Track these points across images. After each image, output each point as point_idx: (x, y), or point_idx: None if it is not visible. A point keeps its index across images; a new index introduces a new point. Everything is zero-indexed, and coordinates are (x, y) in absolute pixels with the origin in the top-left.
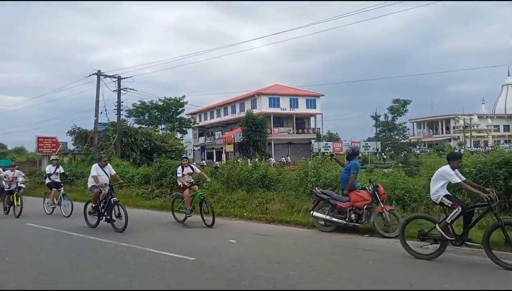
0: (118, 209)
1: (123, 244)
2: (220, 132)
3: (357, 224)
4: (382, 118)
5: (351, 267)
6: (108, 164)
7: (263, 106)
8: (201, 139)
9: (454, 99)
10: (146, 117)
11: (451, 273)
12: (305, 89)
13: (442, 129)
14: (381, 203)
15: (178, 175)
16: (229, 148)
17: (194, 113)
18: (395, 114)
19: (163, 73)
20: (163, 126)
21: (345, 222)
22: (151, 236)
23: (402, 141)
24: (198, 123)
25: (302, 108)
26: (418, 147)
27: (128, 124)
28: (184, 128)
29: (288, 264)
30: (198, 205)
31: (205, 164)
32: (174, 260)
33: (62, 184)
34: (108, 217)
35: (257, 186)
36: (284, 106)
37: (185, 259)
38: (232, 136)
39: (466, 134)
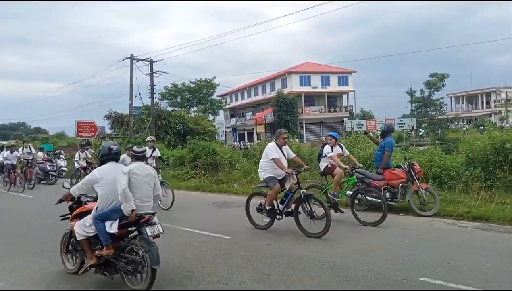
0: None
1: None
2: (251, 113)
3: (392, 203)
4: (418, 94)
5: (387, 246)
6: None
7: (293, 85)
8: (233, 121)
9: (495, 72)
10: (179, 100)
11: (491, 251)
12: (336, 66)
13: (482, 104)
14: (417, 181)
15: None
16: (260, 129)
17: (225, 94)
18: (432, 89)
19: (193, 55)
20: (195, 108)
21: (379, 200)
22: (187, 216)
23: (439, 117)
24: (229, 105)
25: (333, 86)
26: (456, 122)
27: (162, 107)
28: (216, 110)
29: (321, 242)
30: None
31: (241, 146)
32: (211, 238)
33: (159, 170)
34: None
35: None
36: (315, 84)
37: (221, 238)
38: (263, 117)
39: (509, 108)
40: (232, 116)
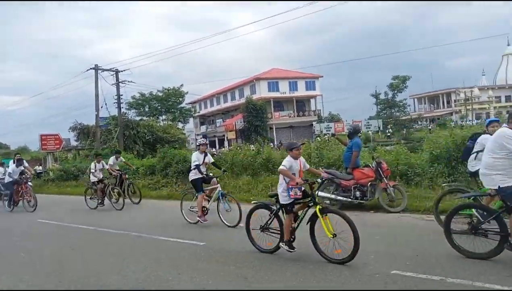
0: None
1: (134, 234)
2: (221, 120)
3: (362, 201)
4: (382, 96)
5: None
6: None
7: (262, 91)
8: (203, 128)
9: (454, 74)
10: (147, 109)
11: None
12: (303, 71)
13: (443, 103)
14: (384, 179)
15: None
16: (231, 135)
17: (194, 102)
18: (395, 91)
19: (159, 64)
20: (164, 117)
21: (350, 199)
22: (160, 225)
23: (404, 117)
24: (199, 112)
25: (301, 91)
26: (420, 122)
27: (129, 117)
28: (186, 118)
29: (294, 242)
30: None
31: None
32: (185, 245)
33: (217, 179)
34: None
35: (262, 170)
36: (284, 90)
37: (195, 244)
38: (233, 123)
39: (468, 107)
40: (202, 123)
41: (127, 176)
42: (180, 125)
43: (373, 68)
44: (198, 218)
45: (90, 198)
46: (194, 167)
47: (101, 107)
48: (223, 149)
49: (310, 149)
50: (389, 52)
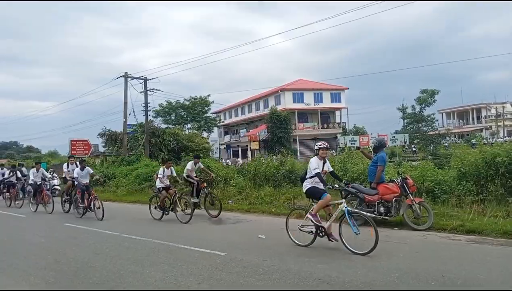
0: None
1: (156, 241)
2: (245, 130)
3: (386, 217)
4: (409, 110)
5: (382, 260)
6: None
7: (287, 102)
8: (227, 138)
9: (485, 88)
10: (173, 117)
11: (485, 263)
12: (328, 83)
13: (472, 119)
14: (410, 195)
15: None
16: (254, 145)
17: (219, 111)
18: (423, 105)
19: (187, 73)
20: (189, 125)
21: (374, 215)
22: (182, 233)
23: (431, 133)
24: (223, 122)
25: (326, 103)
26: (448, 138)
27: (156, 125)
28: (210, 127)
29: (317, 258)
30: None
31: (229, 163)
32: (206, 255)
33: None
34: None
35: (284, 181)
36: (308, 101)
37: (216, 254)
38: (257, 134)
39: (499, 123)
40: (226, 133)
41: (205, 185)
42: (204, 134)
43: (400, 81)
44: (316, 222)
45: (155, 208)
46: (314, 174)
47: (129, 114)
48: (247, 159)
49: (334, 162)
50: (418, 65)
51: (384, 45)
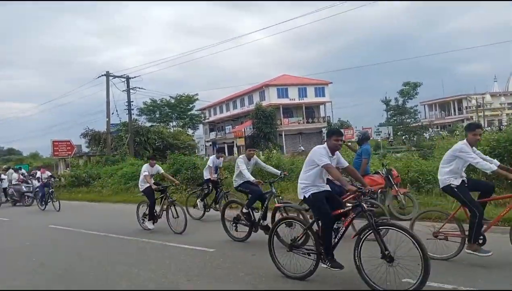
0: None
1: (143, 240)
2: (230, 126)
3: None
4: (392, 103)
5: (371, 249)
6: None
7: (271, 98)
8: (212, 135)
9: (465, 80)
10: (157, 115)
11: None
12: (312, 78)
13: (454, 110)
14: (395, 186)
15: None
16: (240, 141)
17: (204, 108)
18: (406, 98)
19: (169, 71)
20: (174, 123)
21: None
22: (168, 230)
23: (414, 124)
24: (208, 119)
25: (311, 97)
26: (430, 129)
27: (140, 123)
28: (195, 124)
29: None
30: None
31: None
32: (194, 252)
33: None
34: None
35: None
36: (293, 96)
37: (205, 251)
38: (243, 130)
39: (479, 114)
40: (211, 130)
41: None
42: (190, 131)
43: (383, 74)
44: None
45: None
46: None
47: (112, 113)
48: (233, 155)
49: None
50: (399, 58)
51: (365, 41)
